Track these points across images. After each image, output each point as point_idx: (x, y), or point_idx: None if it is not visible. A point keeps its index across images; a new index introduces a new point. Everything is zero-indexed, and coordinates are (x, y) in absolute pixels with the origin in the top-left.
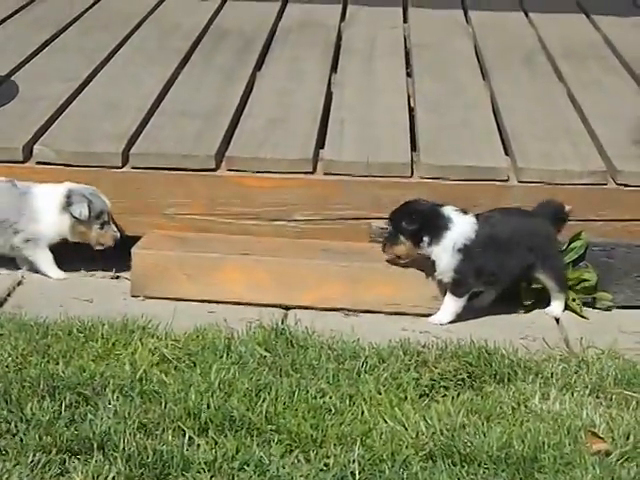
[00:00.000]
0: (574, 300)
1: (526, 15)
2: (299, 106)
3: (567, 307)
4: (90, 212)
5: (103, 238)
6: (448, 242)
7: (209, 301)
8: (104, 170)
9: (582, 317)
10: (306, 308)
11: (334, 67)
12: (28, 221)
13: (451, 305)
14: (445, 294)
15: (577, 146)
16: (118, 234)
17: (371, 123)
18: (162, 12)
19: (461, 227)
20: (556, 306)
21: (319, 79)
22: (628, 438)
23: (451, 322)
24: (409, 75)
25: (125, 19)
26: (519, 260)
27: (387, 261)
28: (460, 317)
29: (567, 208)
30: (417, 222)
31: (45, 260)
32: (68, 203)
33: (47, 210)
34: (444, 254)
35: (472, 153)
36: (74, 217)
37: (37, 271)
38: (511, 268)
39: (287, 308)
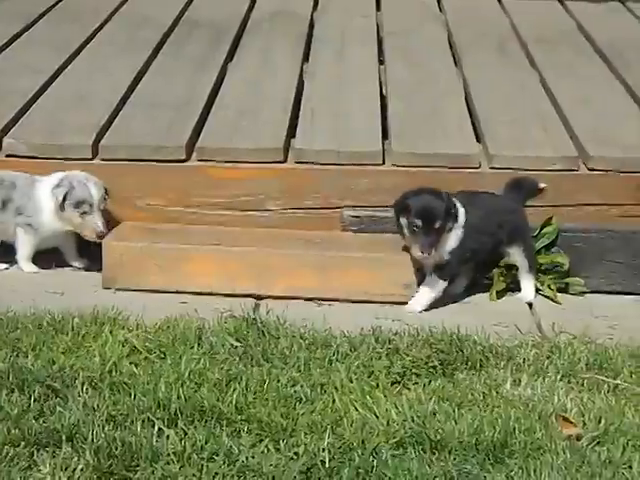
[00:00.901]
0: (549, 286)
1: (499, 2)
2: (270, 96)
3: (541, 293)
4: (65, 198)
5: (83, 229)
6: (460, 221)
7: (181, 292)
8: (74, 162)
9: (556, 302)
10: (278, 298)
11: (306, 56)
12: (33, 208)
13: (431, 290)
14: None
15: (549, 132)
16: (100, 227)
17: (343, 112)
18: (132, 4)
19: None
20: (527, 290)
21: (291, 69)
22: (599, 422)
23: (425, 310)
24: (381, 63)
25: (95, 11)
26: (492, 237)
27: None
28: (434, 305)
29: (541, 185)
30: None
31: (25, 251)
32: (56, 187)
33: (46, 197)
34: (454, 233)
35: (444, 140)
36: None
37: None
38: (486, 244)
39: (259, 298)
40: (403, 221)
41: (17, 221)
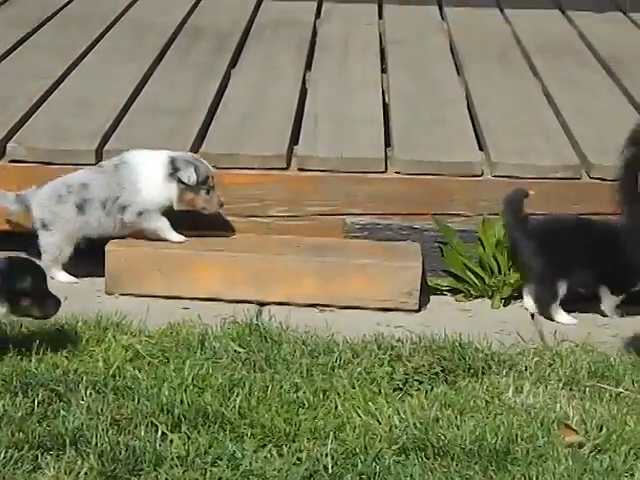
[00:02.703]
0: None
1: (501, 11)
2: (273, 103)
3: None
4: (198, 177)
5: (209, 204)
6: None
7: (183, 298)
8: (78, 168)
9: None
10: (281, 304)
11: (309, 64)
12: (131, 193)
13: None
14: None
15: (551, 141)
16: (222, 199)
17: (345, 119)
18: (137, 10)
19: None
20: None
21: (294, 76)
22: (601, 430)
23: None
24: (384, 71)
25: (99, 17)
26: None
27: None
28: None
29: (530, 192)
30: None
31: (164, 226)
32: (175, 169)
33: (150, 178)
34: None
35: (446, 148)
36: (182, 183)
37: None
38: None
39: (262, 304)
40: None
41: (126, 219)
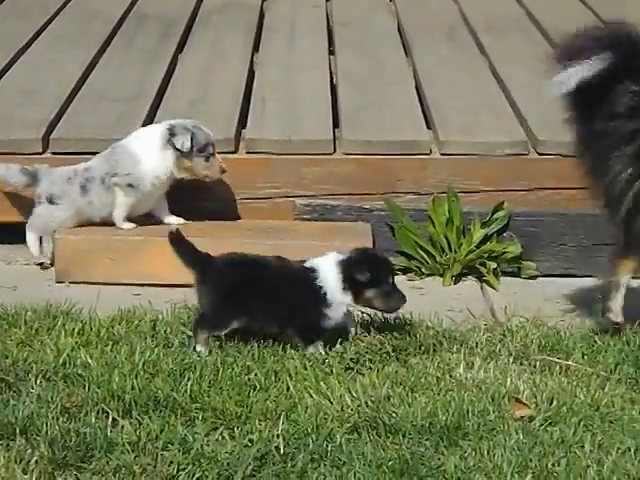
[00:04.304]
0: (494, 270)
1: None
2: (221, 86)
3: (483, 278)
4: (192, 144)
5: (210, 170)
6: None
7: (134, 284)
8: (24, 157)
9: (493, 288)
10: None
11: (256, 47)
12: (128, 165)
13: None
14: None
15: (498, 117)
16: (224, 165)
17: (293, 101)
18: None
19: None
20: None
21: (241, 59)
22: (551, 403)
23: None
24: (331, 53)
25: (43, 6)
26: None
27: None
28: None
29: None
30: None
31: (124, 209)
32: (171, 135)
33: (148, 149)
34: None
35: (394, 128)
36: (177, 150)
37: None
38: None
39: None
40: None
41: (114, 181)
